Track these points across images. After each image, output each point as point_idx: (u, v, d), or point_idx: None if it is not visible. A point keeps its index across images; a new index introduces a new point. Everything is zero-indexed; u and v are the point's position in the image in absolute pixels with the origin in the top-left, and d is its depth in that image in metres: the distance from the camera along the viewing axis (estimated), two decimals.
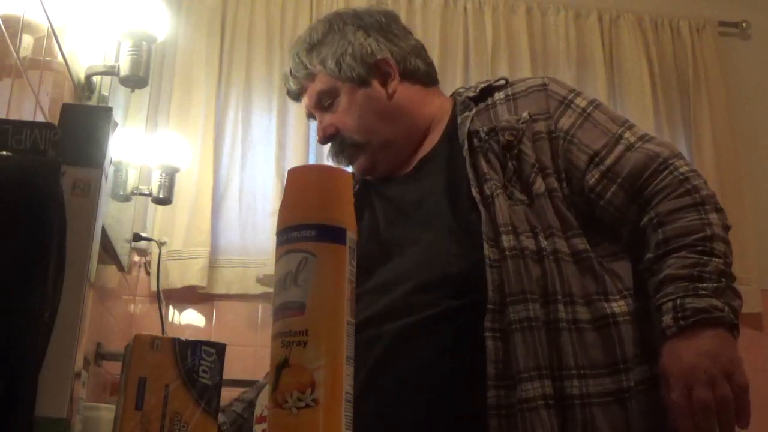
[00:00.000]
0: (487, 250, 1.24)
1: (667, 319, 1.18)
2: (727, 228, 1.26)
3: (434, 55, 3.20)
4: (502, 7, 3.37)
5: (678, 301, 1.18)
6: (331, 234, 0.65)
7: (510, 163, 1.31)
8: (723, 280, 1.19)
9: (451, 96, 1.50)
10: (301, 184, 0.68)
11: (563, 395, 1.18)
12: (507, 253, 1.22)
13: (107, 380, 2.38)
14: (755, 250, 3.23)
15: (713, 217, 1.24)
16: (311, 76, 1.45)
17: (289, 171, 0.70)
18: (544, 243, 1.24)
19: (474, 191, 1.29)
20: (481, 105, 1.40)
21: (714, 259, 1.20)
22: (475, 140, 1.34)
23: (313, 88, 1.45)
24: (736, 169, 3.32)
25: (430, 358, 1.23)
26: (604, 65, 3.34)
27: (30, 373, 0.66)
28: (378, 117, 1.42)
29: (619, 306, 1.24)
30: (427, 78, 1.50)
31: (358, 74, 1.42)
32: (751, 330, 3.17)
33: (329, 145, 1.48)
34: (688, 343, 1.17)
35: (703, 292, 1.18)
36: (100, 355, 2.23)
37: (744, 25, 3.58)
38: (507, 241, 1.23)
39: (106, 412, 1.52)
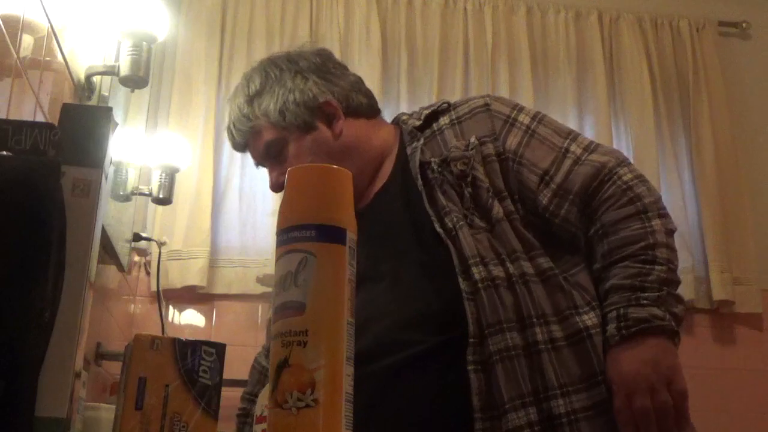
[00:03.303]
0: (462, 283, 1.25)
1: (611, 328, 1.22)
2: (670, 232, 1.28)
3: (434, 55, 3.22)
4: (502, 7, 3.37)
5: (621, 311, 1.21)
6: (331, 234, 0.65)
7: (466, 191, 1.31)
8: (664, 288, 1.22)
9: (394, 122, 1.50)
10: (301, 184, 0.68)
11: (551, 416, 1.19)
12: (479, 285, 1.24)
13: (107, 380, 2.38)
14: (755, 250, 3.23)
15: (656, 223, 1.27)
16: (255, 129, 1.43)
17: (289, 171, 0.69)
18: (511, 268, 1.26)
19: (437, 226, 1.29)
20: (427, 132, 1.39)
21: (656, 267, 1.23)
22: (428, 172, 1.34)
23: (259, 140, 1.44)
24: (736, 169, 3.31)
25: (419, 395, 1.24)
26: (604, 65, 3.34)
27: (30, 373, 0.66)
28: (329, 159, 1.40)
29: (590, 318, 1.25)
30: (370, 111, 1.49)
31: (304, 120, 1.41)
32: (751, 330, 3.17)
33: None
34: (630, 352, 1.20)
35: (645, 301, 1.21)
36: (100, 355, 2.22)
37: (744, 25, 3.58)
38: (477, 273, 1.24)
39: (106, 412, 1.52)
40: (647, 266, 1.23)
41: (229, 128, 1.48)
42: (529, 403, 1.19)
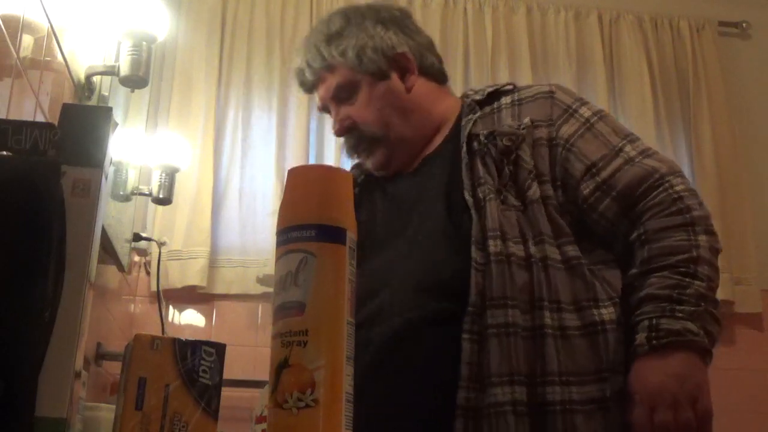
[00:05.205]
0: (474, 253, 1.24)
1: (641, 337, 1.18)
2: (716, 251, 1.25)
3: None
4: (502, 7, 3.37)
5: (654, 321, 1.18)
6: (331, 234, 0.65)
7: (506, 168, 1.31)
8: (702, 304, 1.19)
9: (461, 97, 1.51)
10: (301, 184, 0.68)
11: (544, 401, 1.18)
12: (492, 258, 1.23)
13: (107, 380, 2.38)
14: (755, 250, 3.23)
15: (702, 239, 1.23)
16: (330, 68, 1.43)
17: (289, 171, 0.70)
18: (533, 249, 1.24)
19: (467, 194, 1.29)
20: (487, 109, 1.40)
21: (696, 282, 1.20)
22: (475, 143, 1.34)
23: (331, 80, 1.43)
24: (736, 169, 3.31)
25: (416, 360, 1.24)
26: (604, 65, 3.34)
27: (30, 373, 0.66)
28: (396, 111, 1.42)
29: (608, 313, 1.24)
30: (440, 75, 1.51)
31: (379, 67, 1.42)
32: (751, 330, 3.16)
33: (339, 141, 1.50)
34: (657, 363, 1.17)
35: (680, 314, 1.17)
36: (100, 355, 2.22)
37: (744, 25, 3.58)
38: (494, 245, 1.23)
39: (106, 412, 1.52)
40: (687, 279, 1.19)
41: (300, 68, 1.47)
42: (519, 382, 1.18)
